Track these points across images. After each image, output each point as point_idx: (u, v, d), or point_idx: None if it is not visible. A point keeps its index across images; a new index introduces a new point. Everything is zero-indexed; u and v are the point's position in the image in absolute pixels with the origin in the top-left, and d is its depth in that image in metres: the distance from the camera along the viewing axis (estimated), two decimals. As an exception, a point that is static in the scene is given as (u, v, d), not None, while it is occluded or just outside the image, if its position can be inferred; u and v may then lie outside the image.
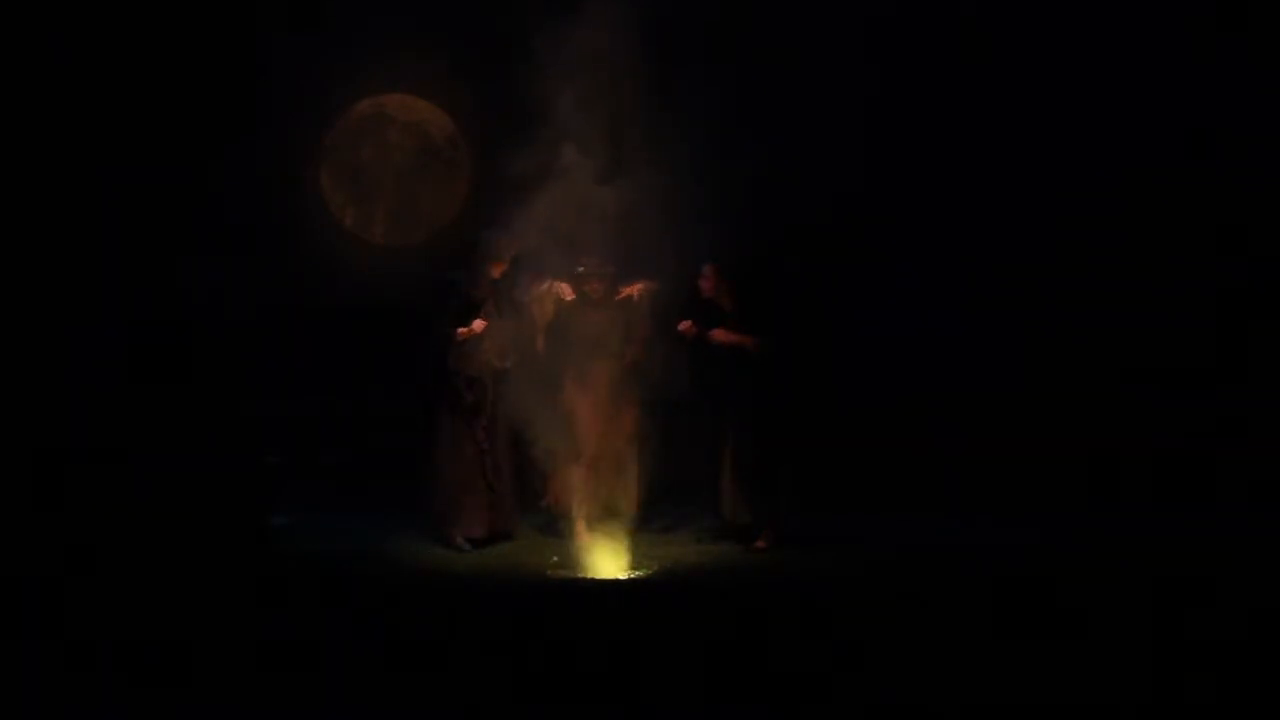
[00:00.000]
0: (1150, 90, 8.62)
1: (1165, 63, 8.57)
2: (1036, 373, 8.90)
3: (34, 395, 7.18)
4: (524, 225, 7.53)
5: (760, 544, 7.86)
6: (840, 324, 8.98)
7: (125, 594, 6.30)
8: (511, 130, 7.52)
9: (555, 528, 8.17)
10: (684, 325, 7.81)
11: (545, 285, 7.96)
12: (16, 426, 7.15)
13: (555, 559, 7.73)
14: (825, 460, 8.31)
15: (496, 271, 7.93)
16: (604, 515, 7.82)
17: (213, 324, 7.89)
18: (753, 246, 8.09)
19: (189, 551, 6.97)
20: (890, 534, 8.21)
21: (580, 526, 7.84)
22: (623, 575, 7.37)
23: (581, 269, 7.91)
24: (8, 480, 7.04)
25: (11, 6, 7.37)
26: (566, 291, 7.93)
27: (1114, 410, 8.63)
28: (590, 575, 7.37)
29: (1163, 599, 6.37)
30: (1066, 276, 8.91)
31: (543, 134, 7.42)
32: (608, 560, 7.46)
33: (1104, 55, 8.73)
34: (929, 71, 8.98)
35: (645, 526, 8.01)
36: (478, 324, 7.82)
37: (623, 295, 7.98)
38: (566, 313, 7.99)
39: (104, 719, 5.09)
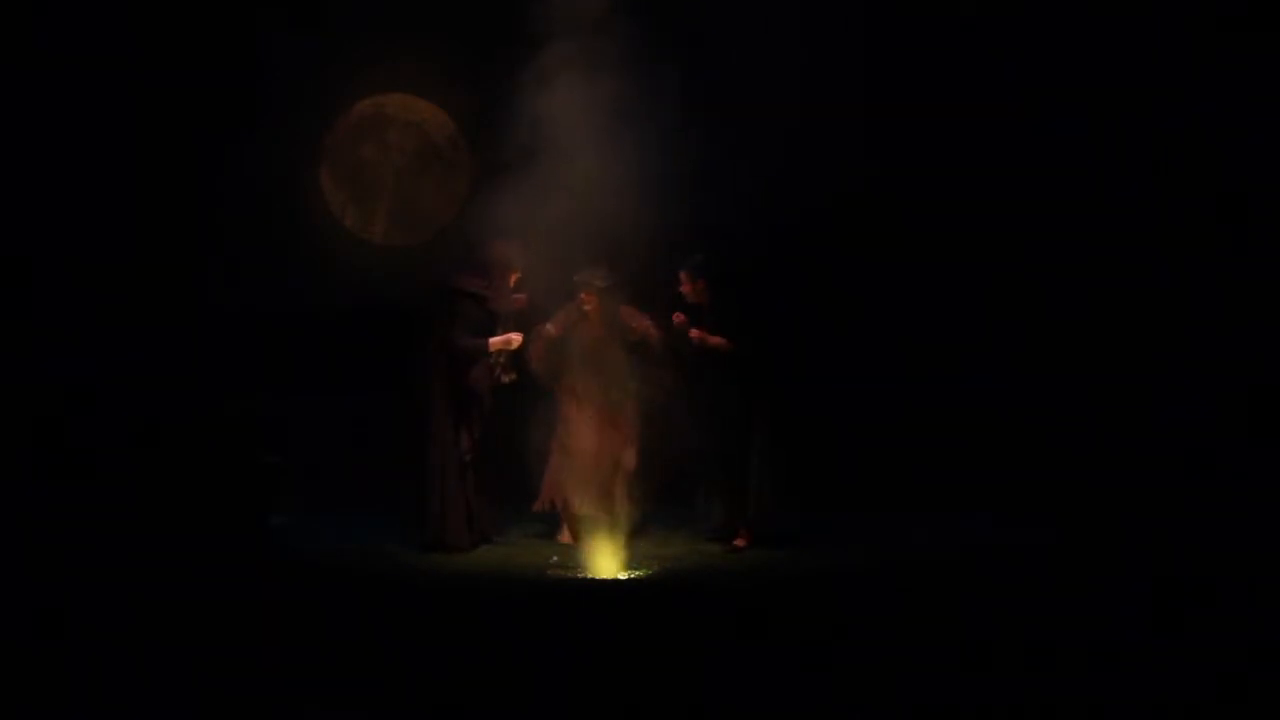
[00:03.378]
0: (1148, 90, 8.62)
1: (1164, 62, 8.57)
2: (1030, 370, 8.90)
3: (33, 395, 7.17)
4: (525, 228, 7.58)
5: (739, 542, 7.88)
6: (832, 322, 9.01)
7: (124, 594, 6.30)
8: (510, 131, 7.57)
9: (553, 530, 8.20)
10: (678, 317, 7.86)
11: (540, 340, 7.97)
12: (15, 426, 7.15)
13: (554, 559, 7.73)
14: (809, 459, 8.33)
15: (513, 281, 7.97)
16: (598, 518, 7.85)
17: (213, 323, 7.89)
18: (730, 247, 8.14)
19: (189, 551, 6.97)
20: (882, 533, 8.23)
21: (578, 528, 7.86)
22: (622, 575, 7.37)
23: (580, 281, 7.92)
24: (7, 480, 7.03)
25: (12, 6, 7.37)
26: (550, 332, 7.95)
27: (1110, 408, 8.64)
28: (589, 575, 7.37)
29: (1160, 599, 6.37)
30: (1064, 273, 8.91)
31: (538, 134, 7.48)
32: (607, 560, 7.46)
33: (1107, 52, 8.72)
34: (926, 68, 8.97)
35: (641, 528, 8.01)
36: (515, 337, 7.85)
37: (624, 321, 7.97)
38: (570, 327, 8.01)
39: (103, 719, 5.10)
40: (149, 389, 7.50)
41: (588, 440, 7.98)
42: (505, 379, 8.01)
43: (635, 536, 7.78)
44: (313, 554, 7.75)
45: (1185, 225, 8.57)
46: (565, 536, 8.13)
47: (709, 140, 8.16)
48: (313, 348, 9.04)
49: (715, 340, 7.83)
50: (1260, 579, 6.53)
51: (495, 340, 7.85)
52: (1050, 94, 8.84)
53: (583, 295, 7.93)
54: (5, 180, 7.36)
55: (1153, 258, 8.67)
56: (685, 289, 7.97)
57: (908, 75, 8.95)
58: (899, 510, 8.66)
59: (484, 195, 7.92)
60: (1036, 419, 8.75)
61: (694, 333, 7.84)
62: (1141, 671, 5.37)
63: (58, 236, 7.45)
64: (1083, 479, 8.45)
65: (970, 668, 5.45)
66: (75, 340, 7.33)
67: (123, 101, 7.59)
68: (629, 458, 8.00)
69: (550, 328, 7.95)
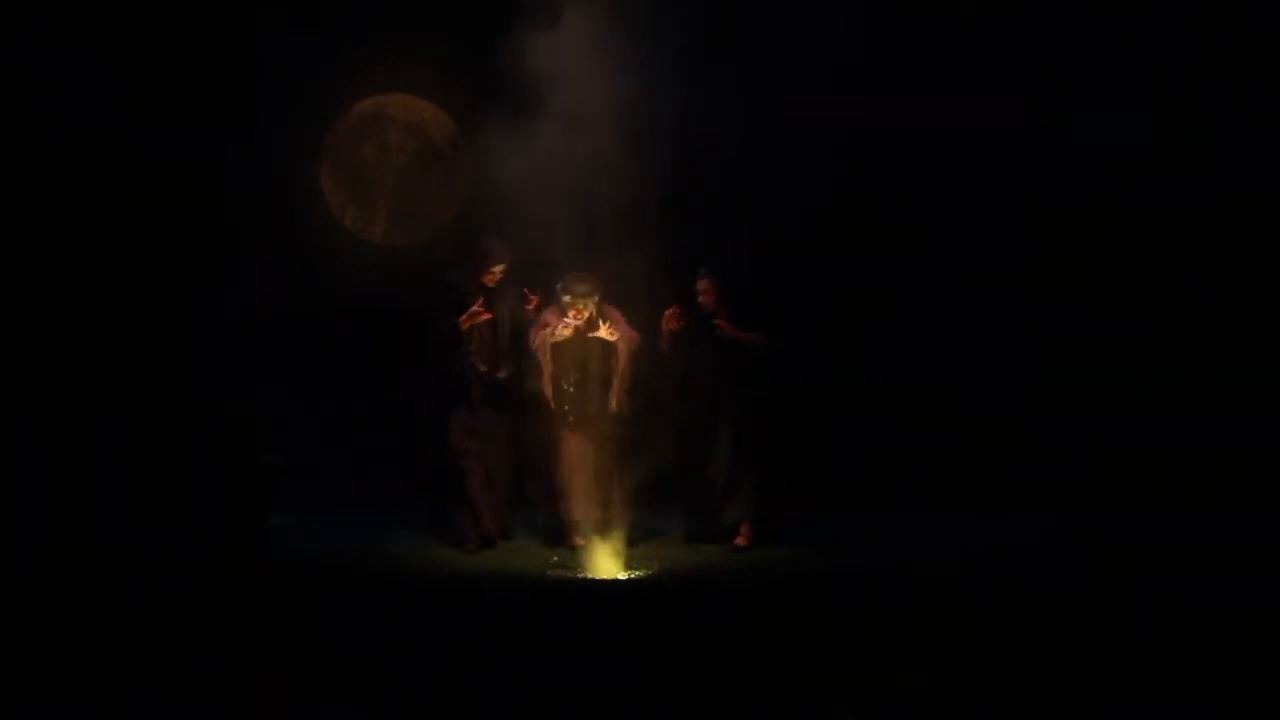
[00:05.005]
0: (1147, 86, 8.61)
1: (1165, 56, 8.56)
2: (1030, 370, 8.90)
3: (34, 395, 7.17)
4: (517, 231, 7.60)
5: (740, 541, 7.88)
6: (835, 321, 9.01)
7: (124, 593, 6.30)
8: (509, 129, 7.59)
9: (555, 531, 8.19)
10: (669, 316, 7.83)
11: (545, 330, 7.90)
12: (15, 425, 7.15)
13: (554, 559, 7.74)
14: (813, 459, 8.32)
15: (490, 279, 7.94)
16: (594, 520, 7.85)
17: (213, 323, 7.89)
18: (745, 250, 8.14)
19: (188, 551, 6.97)
20: (882, 533, 8.23)
21: (578, 529, 7.86)
22: (622, 575, 7.37)
23: (566, 296, 7.89)
24: (8, 478, 7.03)
25: (10, 6, 7.36)
26: (566, 327, 7.88)
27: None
28: (589, 575, 7.37)
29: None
30: (1063, 274, 8.90)
31: (537, 132, 7.50)
32: (607, 560, 7.46)
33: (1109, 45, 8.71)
34: (925, 64, 8.97)
35: (635, 529, 8.00)
36: (477, 309, 7.81)
37: (601, 331, 7.94)
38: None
39: (103, 718, 5.09)
40: (149, 389, 7.50)
41: (574, 442, 7.97)
42: (491, 370, 7.96)
43: (632, 537, 7.77)
44: (313, 554, 7.75)
45: (1186, 225, 8.57)
46: (574, 540, 8.11)
47: (707, 134, 8.18)
48: (313, 348, 9.04)
49: (745, 336, 7.80)
50: (1259, 578, 6.54)
51: (463, 318, 7.84)
52: (1049, 94, 8.84)
53: (566, 303, 7.91)
54: (4, 180, 7.35)
55: (1153, 257, 8.66)
56: (706, 298, 7.92)
57: (906, 74, 8.95)
58: (899, 510, 8.65)
59: (481, 185, 7.95)
60: (1036, 419, 8.75)
61: (722, 323, 7.80)
62: (1141, 671, 5.38)
63: (56, 236, 7.44)
64: (1082, 479, 8.45)
65: (970, 668, 5.45)
66: (75, 339, 7.33)
67: (122, 101, 7.59)
68: (614, 458, 7.99)
69: (563, 330, 7.88)
